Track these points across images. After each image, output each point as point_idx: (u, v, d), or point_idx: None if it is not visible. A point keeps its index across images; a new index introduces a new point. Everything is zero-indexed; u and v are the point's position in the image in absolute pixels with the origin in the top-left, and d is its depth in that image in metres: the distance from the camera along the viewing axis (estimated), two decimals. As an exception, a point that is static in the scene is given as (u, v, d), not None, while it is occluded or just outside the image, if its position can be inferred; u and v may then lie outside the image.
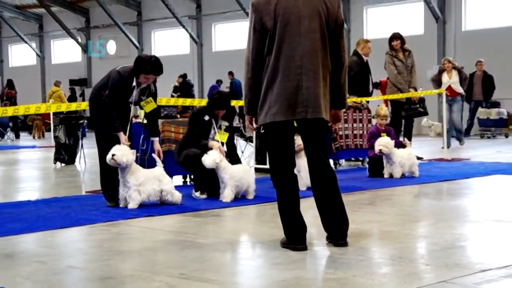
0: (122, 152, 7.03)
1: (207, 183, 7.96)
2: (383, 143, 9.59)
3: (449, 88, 15.53)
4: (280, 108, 4.93)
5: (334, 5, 5.04)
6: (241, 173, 7.78)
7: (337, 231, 5.17)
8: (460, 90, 15.94)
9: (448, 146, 14.88)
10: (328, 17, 4.99)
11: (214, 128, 8.17)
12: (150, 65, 7.25)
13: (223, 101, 8.18)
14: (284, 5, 4.92)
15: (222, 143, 8.11)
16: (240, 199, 7.80)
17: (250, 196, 7.88)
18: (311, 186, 5.35)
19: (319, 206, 5.24)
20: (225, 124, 8.27)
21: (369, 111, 11.94)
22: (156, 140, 7.70)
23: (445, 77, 16.10)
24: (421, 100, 12.85)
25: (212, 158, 7.56)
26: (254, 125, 5.25)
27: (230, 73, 25.24)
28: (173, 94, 23.01)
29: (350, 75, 11.72)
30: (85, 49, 33.51)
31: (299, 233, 5.08)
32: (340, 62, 5.09)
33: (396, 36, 12.79)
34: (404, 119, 12.69)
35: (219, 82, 25.71)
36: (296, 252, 4.98)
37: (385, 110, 10.31)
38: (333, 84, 5.10)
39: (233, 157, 8.14)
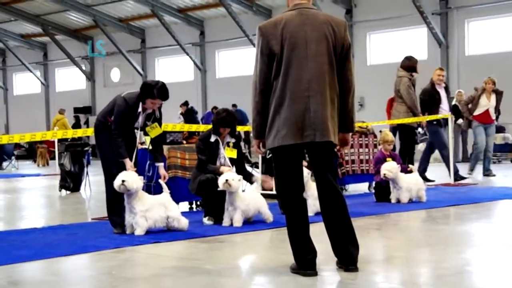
0: (132, 179, 7.01)
1: (215, 209, 7.94)
2: (388, 167, 9.56)
3: (486, 113, 14.55)
4: (289, 132, 4.92)
5: (341, 29, 5.08)
6: (250, 198, 7.79)
7: (347, 256, 5.12)
8: (493, 116, 14.80)
9: (472, 169, 14.45)
10: (336, 41, 5.02)
11: (221, 148, 8.18)
12: (157, 90, 7.25)
13: (229, 119, 8.18)
14: (291, 29, 4.96)
15: (232, 159, 8.14)
16: (252, 223, 7.79)
17: (269, 219, 7.90)
18: (320, 211, 5.31)
19: (328, 230, 5.20)
20: (232, 141, 8.29)
21: (375, 136, 11.92)
22: (161, 165, 7.68)
23: (484, 100, 14.78)
24: (419, 125, 12.84)
25: (223, 178, 7.57)
26: (262, 149, 5.22)
27: (234, 106, 25.11)
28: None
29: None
30: (89, 77, 33.63)
31: (309, 258, 5.04)
32: (347, 85, 5.13)
33: (416, 61, 12.52)
34: (413, 144, 12.58)
35: (213, 109, 25.72)
36: (306, 278, 4.93)
37: (391, 136, 10.29)
38: (341, 107, 5.11)
39: (242, 171, 8.14)
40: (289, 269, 5.15)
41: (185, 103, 24.26)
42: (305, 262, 5.04)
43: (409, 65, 12.41)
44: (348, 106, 5.15)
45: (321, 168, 5.16)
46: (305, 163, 8.73)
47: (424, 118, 12.55)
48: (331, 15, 5.21)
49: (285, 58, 4.94)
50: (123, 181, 6.97)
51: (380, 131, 12.11)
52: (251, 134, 5.26)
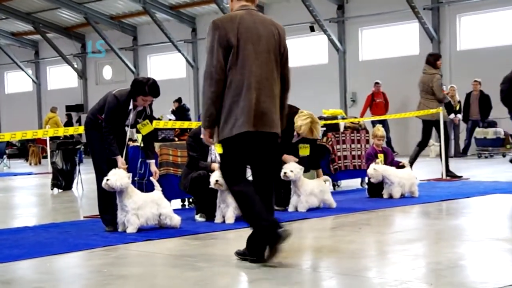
0: (117, 177, 6.99)
1: (207, 206, 7.93)
2: (371, 171, 9.60)
3: None
4: (246, 120, 5.18)
5: (283, 32, 5.48)
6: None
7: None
8: None
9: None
10: (280, 42, 5.41)
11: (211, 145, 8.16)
12: (149, 87, 7.23)
13: None
14: (246, 25, 5.28)
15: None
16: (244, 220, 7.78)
17: None
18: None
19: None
20: None
21: (367, 132, 11.93)
22: (152, 162, 7.66)
23: None
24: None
25: (213, 179, 7.55)
26: (215, 139, 5.37)
27: (178, 101, 24.45)
28: (170, 118, 22.99)
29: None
30: (81, 74, 33.55)
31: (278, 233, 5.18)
32: (287, 84, 5.49)
33: (440, 56, 13.12)
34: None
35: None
36: (297, 274, 4.93)
37: (382, 131, 10.29)
38: (280, 104, 5.44)
39: None
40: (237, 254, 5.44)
41: (178, 100, 24.20)
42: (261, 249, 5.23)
43: (435, 61, 12.84)
44: (285, 103, 5.51)
45: (264, 160, 5.42)
46: (295, 159, 8.77)
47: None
48: (273, 19, 5.56)
49: (241, 50, 5.21)
50: (107, 179, 6.97)
51: (374, 125, 12.13)
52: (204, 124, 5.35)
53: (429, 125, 13.01)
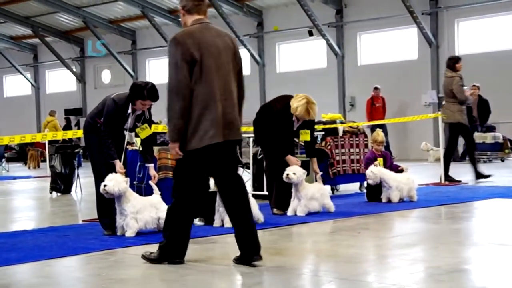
0: (114, 182, 6.98)
1: (206, 209, 7.92)
2: (369, 173, 9.61)
3: None
4: (217, 131, 5.39)
5: (235, 42, 5.77)
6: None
7: (255, 246, 5.50)
8: None
9: None
10: (236, 53, 5.66)
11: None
12: (147, 91, 7.23)
13: None
14: (207, 39, 5.49)
15: None
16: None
17: (259, 220, 7.88)
18: (228, 209, 5.71)
19: (235, 223, 5.61)
20: None
21: (366, 136, 11.93)
22: (151, 166, 7.66)
23: None
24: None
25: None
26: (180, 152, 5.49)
27: None
28: None
29: None
30: (80, 78, 33.55)
31: (183, 248, 5.55)
32: (242, 92, 5.71)
33: (459, 58, 13.34)
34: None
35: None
36: (296, 278, 4.92)
37: (381, 136, 10.30)
38: (238, 111, 5.67)
39: None
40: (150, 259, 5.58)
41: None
42: (178, 251, 5.54)
43: (455, 64, 13.14)
44: (241, 111, 5.73)
45: (231, 166, 5.63)
46: (298, 163, 8.78)
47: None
48: (225, 30, 5.82)
49: (205, 65, 5.41)
50: (104, 185, 6.97)
51: (373, 130, 12.13)
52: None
53: (454, 128, 13.10)
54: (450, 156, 13.13)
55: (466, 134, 13.30)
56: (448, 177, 12.77)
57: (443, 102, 13.33)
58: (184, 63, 5.35)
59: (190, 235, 5.64)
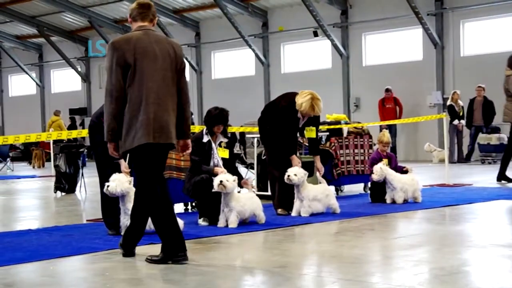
0: (117, 182, 6.99)
1: (210, 210, 7.92)
2: (377, 168, 9.61)
3: None
4: (144, 133, 5.60)
5: (179, 50, 5.92)
6: (245, 200, 7.78)
7: (181, 244, 5.75)
8: None
9: None
10: (176, 59, 5.83)
11: (214, 149, 8.17)
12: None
13: (222, 116, 8.18)
14: (143, 45, 5.70)
15: (224, 160, 8.14)
16: (247, 224, 7.78)
17: (261, 221, 7.89)
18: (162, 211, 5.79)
19: (158, 226, 5.83)
20: (224, 140, 8.28)
21: (370, 137, 11.92)
22: None
23: None
24: None
25: (218, 180, 7.56)
26: (116, 152, 5.83)
27: None
28: None
29: None
30: (84, 78, 33.60)
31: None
32: (186, 97, 5.92)
33: None
34: None
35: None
36: (299, 279, 4.92)
37: (388, 137, 10.29)
38: (181, 116, 5.87)
39: (233, 171, 8.11)
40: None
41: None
42: (131, 246, 5.97)
43: None
44: (186, 115, 5.91)
45: (160, 169, 5.85)
46: (299, 163, 8.78)
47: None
48: (169, 38, 6.11)
49: (138, 69, 5.64)
50: (107, 185, 6.97)
51: (381, 130, 12.11)
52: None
53: None
54: (510, 156, 12.73)
55: None
56: (504, 177, 12.60)
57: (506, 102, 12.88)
58: (118, 67, 5.63)
59: (143, 232, 6.03)
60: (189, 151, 6.10)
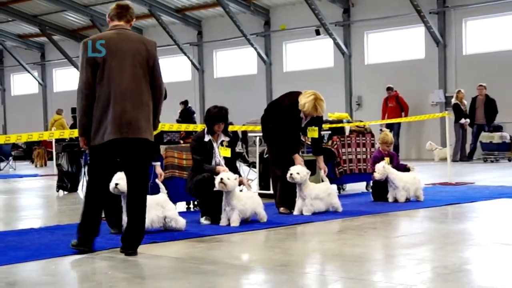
0: (124, 181, 6.97)
1: (212, 208, 7.92)
2: (380, 166, 9.60)
3: None
4: (112, 129, 5.87)
5: (152, 47, 6.13)
6: (246, 198, 7.78)
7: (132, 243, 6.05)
8: None
9: None
10: (147, 56, 6.04)
11: (215, 148, 8.16)
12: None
13: (221, 114, 8.18)
14: (112, 43, 5.98)
15: (225, 159, 8.14)
16: (249, 223, 7.78)
17: (263, 219, 7.89)
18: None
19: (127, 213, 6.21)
20: (226, 139, 8.28)
21: (372, 135, 11.92)
22: (157, 164, 7.68)
23: None
24: None
25: (218, 178, 7.55)
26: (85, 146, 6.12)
27: (184, 103, 24.49)
28: (179, 119, 23.05)
29: None
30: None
31: (91, 237, 6.11)
32: (159, 93, 6.14)
33: None
34: None
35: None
36: (301, 278, 4.92)
37: (391, 137, 10.27)
38: (155, 110, 6.13)
39: (233, 170, 8.11)
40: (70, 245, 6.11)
41: (184, 102, 24.21)
42: (86, 240, 6.10)
43: None
44: (158, 110, 6.18)
45: (133, 164, 6.07)
46: (302, 162, 8.78)
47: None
48: (144, 37, 6.40)
49: (107, 67, 5.91)
50: (116, 184, 6.94)
51: (381, 130, 12.11)
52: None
53: None
54: None
55: None
56: None
57: None
58: (88, 65, 5.92)
59: (98, 226, 6.18)
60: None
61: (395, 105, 21.74)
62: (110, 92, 5.89)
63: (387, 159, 9.95)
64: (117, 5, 6.22)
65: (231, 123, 8.66)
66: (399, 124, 21.21)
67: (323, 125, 10.38)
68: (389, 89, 21.83)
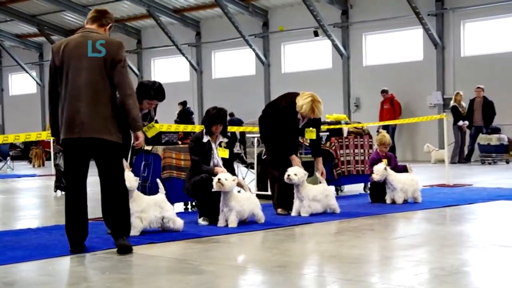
0: (126, 178, 6.98)
1: (210, 209, 7.92)
2: (380, 167, 9.60)
3: None
4: (65, 128, 6.11)
5: (113, 47, 6.21)
6: (244, 199, 7.78)
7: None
8: None
9: None
10: (107, 56, 6.14)
11: (214, 149, 8.16)
12: (154, 91, 7.25)
13: (220, 115, 8.17)
14: (70, 47, 6.18)
15: (223, 160, 8.13)
16: (247, 224, 7.78)
17: (261, 220, 7.90)
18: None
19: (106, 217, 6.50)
20: (224, 140, 8.28)
21: (370, 137, 11.92)
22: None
23: None
24: None
25: (216, 178, 7.55)
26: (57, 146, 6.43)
27: (182, 104, 24.49)
28: (177, 119, 23.04)
29: None
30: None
31: (79, 239, 6.27)
32: (124, 91, 6.15)
33: None
34: None
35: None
36: (299, 279, 4.92)
37: (388, 139, 10.28)
38: (122, 110, 6.18)
39: (231, 172, 8.10)
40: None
41: (183, 103, 24.20)
42: (75, 242, 6.23)
43: None
44: (128, 107, 6.14)
45: (98, 163, 6.29)
46: (299, 163, 8.78)
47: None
48: (109, 37, 6.41)
49: (65, 70, 6.14)
50: None
51: (378, 131, 12.12)
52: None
53: None
54: None
55: None
56: None
57: None
58: (51, 69, 6.26)
59: (85, 228, 6.39)
60: (138, 142, 6.41)
61: (389, 107, 21.80)
62: (67, 93, 6.12)
63: (385, 161, 9.96)
64: (95, 9, 6.57)
65: (240, 121, 8.65)
66: (394, 126, 21.25)
67: (321, 127, 10.39)
68: (383, 91, 21.89)
